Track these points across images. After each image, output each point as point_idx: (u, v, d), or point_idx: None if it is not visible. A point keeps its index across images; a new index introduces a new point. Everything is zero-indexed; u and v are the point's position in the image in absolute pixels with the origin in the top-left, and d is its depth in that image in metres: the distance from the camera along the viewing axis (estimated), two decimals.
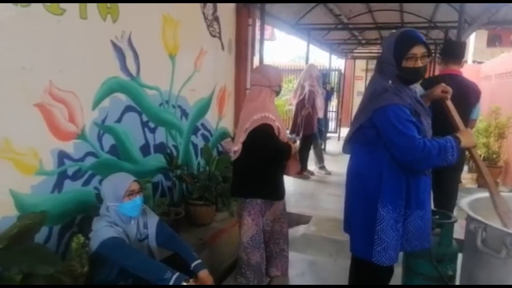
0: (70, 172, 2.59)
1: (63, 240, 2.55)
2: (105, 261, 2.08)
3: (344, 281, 2.86)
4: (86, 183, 2.74)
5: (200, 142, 4.24)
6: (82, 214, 2.66)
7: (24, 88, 2.23)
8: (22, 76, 2.21)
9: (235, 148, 2.73)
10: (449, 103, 2.08)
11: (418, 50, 1.90)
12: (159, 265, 2.08)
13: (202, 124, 4.29)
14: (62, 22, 2.42)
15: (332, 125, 11.48)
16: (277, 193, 2.80)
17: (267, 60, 5.67)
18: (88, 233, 2.23)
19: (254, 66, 5.50)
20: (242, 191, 2.76)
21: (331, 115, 11.36)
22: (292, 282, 2.96)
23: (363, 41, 10.14)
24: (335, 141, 10.10)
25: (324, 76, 8.02)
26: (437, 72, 3.33)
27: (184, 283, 1.99)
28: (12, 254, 1.81)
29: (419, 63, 1.92)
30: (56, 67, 2.41)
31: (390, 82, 1.96)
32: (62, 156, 2.52)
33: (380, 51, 11.27)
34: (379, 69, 2.05)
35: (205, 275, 2.21)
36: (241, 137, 2.66)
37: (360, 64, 13.43)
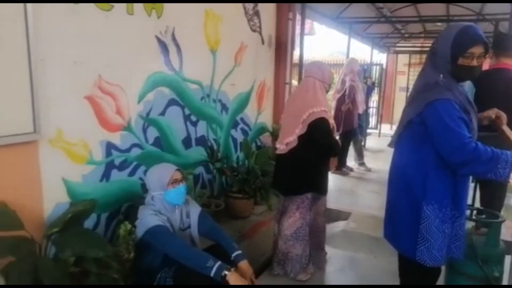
0: (117, 162, 2.71)
1: (110, 227, 2.67)
2: (150, 248, 2.15)
3: (384, 278, 2.82)
4: (132, 173, 2.85)
5: (239, 136, 4.29)
6: (128, 203, 2.77)
7: (75, 82, 2.35)
8: (74, 70, 2.33)
9: (289, 139, 2.66)
10: (505, 128, 1.96)
11: (477, 49, 1.79)
12: (202, 254, 2.12)
13: (242, 119, 4.33)
14: (110, 18, 2.53)
15: (372, 121, 11.20)
16: (326, 187, 2.86)
17: (306, 55, 5.61)
18: (133, 221, 2.32)
19: (294, 61, 5.49)
20: (295, 186, 2.74)
21: (372, 111, 11.07)
22: (331, 277, 2.93)
23: (406, 35, 9.78)
24: (375, 138, 9.84)
25: (365, 70, 7.84)
26: (486, 67, 3.15)
27: (226, 272, 2.02)
28: (66, 237, 1.93)
29: (475, 62, 1.81)
30: (104, 62, 2.52)
31: (441, 76, 1.87)
32: (110, 147, 2.64)
33: (425, 45, 10.82)
34: (431, 62, 1.96)
35: (245, 266, 2.24)
36: (298, 129, 2.62)
37: (403, 58, 12.96)
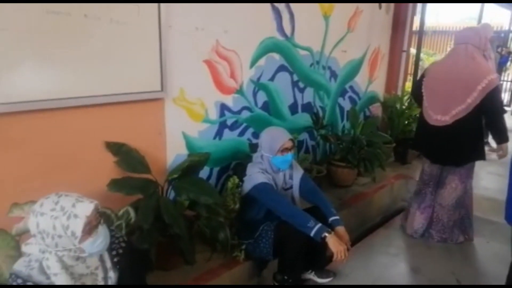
0: (229, 122, 2.93)
1: (220, 181, 2.95)
2: (255, 202, 2.33)
3: (491, 265, 2.61)
4: (241, 134, 3.06)
5: (347, 105, 4.22)
6: (236, 160, 3.00)
7: (196, 46, 2.57)
8: (195, 36, 2.54)
9: (457, 109, 2.57)
10: None
11: None
12: (304, 213, 2.21)
13: (351, 87, 4.24)
14: None
15: (505, 97, 9.69)
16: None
17: (430, 22, 5.15)
18: (240, 177, 2.52)
19: (414, 28, 5.09)
20: (464, 156, 2.71)
21: (506, 85, 9.62)
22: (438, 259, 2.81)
23: None
24: (507, 116, 8.62)
25: (499, 38, 6.83)
26: None
27: (326, 234, 2.10)
28: (183, 183, 2.21)
29: None
30: (222, 28, 2.70)
31: None
32: (223, 108, 2.86)
33: None
34: None
35: (342, 231, 2.27)
36: (470, 98, 2.52)
37: None
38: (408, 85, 5.23)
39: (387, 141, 4.05)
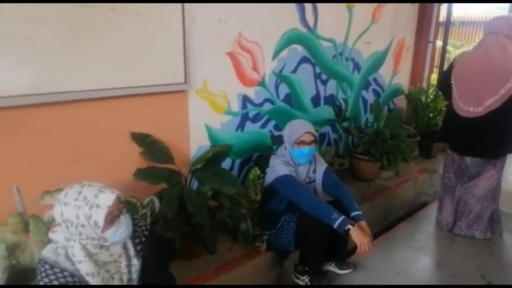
0: (251, 115, 2.95)
1: (242, 172, 2.98)
2: (277, 194, 2.34)
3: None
4: (263, 126, 3.07)
5: (370, 97, 4.16)
6: (258, 152, 3.01)
7: (219, 38, 2.59)
8: (218, 28, 2.56)
9: (491, 100, 2.50)
10: None
11: None
12: (327, 205, 2.20)
13: (374, 79, 4.17)
14: None
15: None
16: None
17: (458, 12, 4.99)
18: (262, 169, 2.53)
19: (441, 18, 4.95)
20: (499, 148, 2.66)
21: None
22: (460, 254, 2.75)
23: None
24: None
25: None
26: None
27: (350, 226, 2.10)
28: (206, 173, 2.24)
29: None
30: (244, 19, 2.70)
31: None
32: (245, 100, 2.88)
33: None
34: None
35: (364, 225, 2.26)
36: (504, 89, 2.45)
37: None
38: (434, 78, 5.11)
39: (412, 134, 3.98)
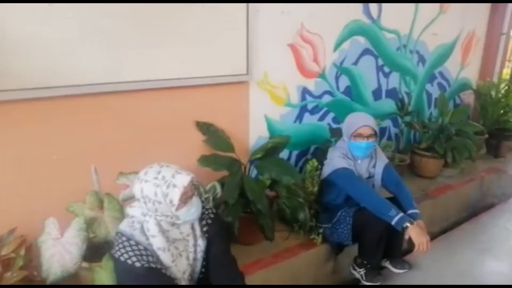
0: (309, 107, 2.95)
1: (299, 164, 2.99)
2: (334, 186, 2.33)
3: None
4: (322, 118, 3.06)
5: (435, 92, 3.98)
6: (316, 144, 3.01)
7: (281, 30, 2.61)
8: (280, 19, 2.57)
9: None
10: None
11: None
12: (386, 201, 2.17)
13: (440, 72, 3.98)
14: None
15: None
16: None
17: None
18: (319, 161, 2.54)
19: None
20: None
21: None
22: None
23: None
24: None
25: None
26: None
27: (408, 224, 2.05)
28: (265, 163, 2.29)
29: None
30: (307, 10, 2.69)
31: None
32: (304, 92, 2.88)
33: None
34: None
35: (421, 224, 2.15)
36: None
37: None
38: (507, 72, 4.76)
39: (479, 132, 3.76)
